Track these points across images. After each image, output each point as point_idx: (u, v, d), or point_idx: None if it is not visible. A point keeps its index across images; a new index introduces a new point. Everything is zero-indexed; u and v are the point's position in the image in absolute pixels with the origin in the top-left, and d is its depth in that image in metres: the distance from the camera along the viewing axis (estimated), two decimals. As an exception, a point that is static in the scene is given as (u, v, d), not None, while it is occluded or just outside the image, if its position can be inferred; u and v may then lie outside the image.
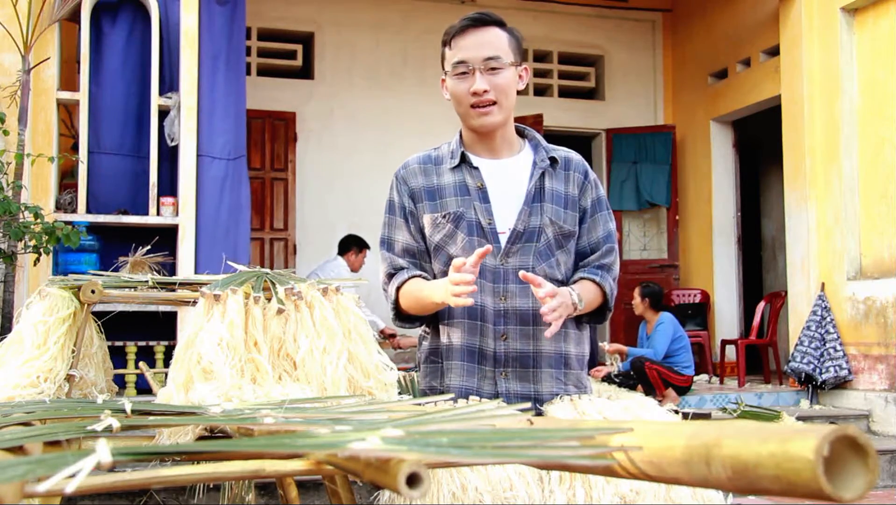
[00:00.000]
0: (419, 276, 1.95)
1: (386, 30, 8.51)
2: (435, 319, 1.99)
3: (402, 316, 2.00)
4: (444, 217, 1.94)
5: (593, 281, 1.96)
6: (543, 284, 1.74)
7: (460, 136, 2.03)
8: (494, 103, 1.91)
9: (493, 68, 1.90)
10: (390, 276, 1.99)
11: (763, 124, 8.25)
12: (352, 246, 7.02)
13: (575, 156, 2.05)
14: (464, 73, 1.91)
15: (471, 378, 1.92)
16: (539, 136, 2.06)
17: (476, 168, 1.97)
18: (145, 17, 5.47)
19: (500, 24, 1.96)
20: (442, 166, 2.00)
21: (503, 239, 1.92)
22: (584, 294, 1.89)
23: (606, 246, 2.01)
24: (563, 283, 1.96)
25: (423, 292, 1.88)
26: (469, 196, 1.94)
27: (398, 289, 1.95)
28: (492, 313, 1.91)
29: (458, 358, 1.92)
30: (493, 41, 1.92)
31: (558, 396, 1.92)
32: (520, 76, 1.97)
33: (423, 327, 2.06)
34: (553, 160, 1.99)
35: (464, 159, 1.98)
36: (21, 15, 4.71)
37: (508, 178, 1.97)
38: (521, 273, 1.75)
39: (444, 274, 1.90)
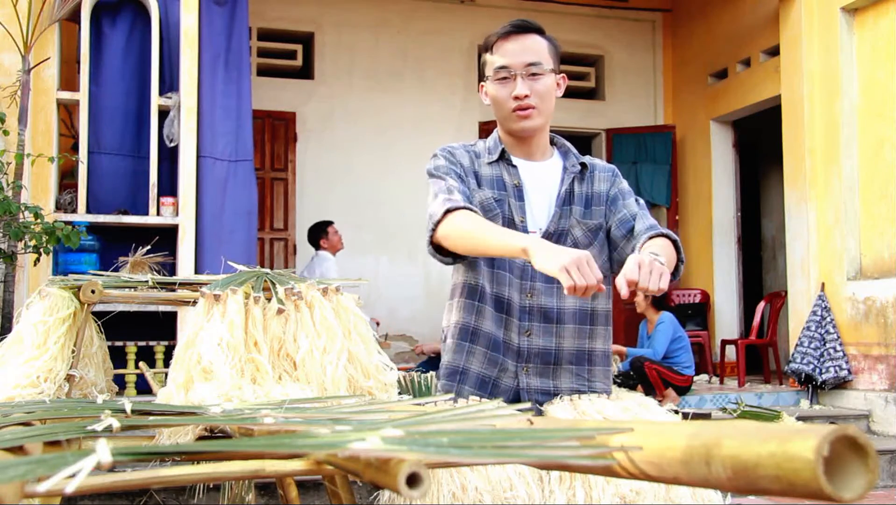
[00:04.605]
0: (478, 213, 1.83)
1: (386, 30, 8.51)
2: (469, 295, 1.96)
3: (436, 245, 1.86)
4: (485, 204, 1.94)
5: (656, 235, 1.88)
6: (621, 286, 1.60)
7: (498, 136, 2.04)
8: (535, 108, 1.93)
9: (534, 74, 1.93)
10: (446, 200, 1.84)
11: (763, 124, 8.26)
12: (320, 233, 6.98)
13: (600, 162, 2.11)
14: (505, 77, 1.94)
15: (492, 368, 1.93)
16: (569, 144, 2.10)
17: (514, 166, 1.99)
18: (145, 17, 5.47)
19: (541, 31, 2.00)
20: (480, 159, 2.02)
21: None
22: (656, 249, 1.77)
23: (642, 211, 2.00)
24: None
25: (496, 230, 1.75)
26: (505, 192, 1.97)
27: (449, 210, 1.80)
28: (517, 309, 1.93)
29: (483, 344, 1.94)
30: (534, 48, 1.95)
31: (580, 393, 1.94)
32: (558, 84, 2.01)
33: (453, 299, 2.00)
34: (583, 165, 2.03)
35: (502, 156, 2.00)
36: (21, 15, 4.71)
37: (541, 179, 2.01)
38: (622, 290, 1.57)
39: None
